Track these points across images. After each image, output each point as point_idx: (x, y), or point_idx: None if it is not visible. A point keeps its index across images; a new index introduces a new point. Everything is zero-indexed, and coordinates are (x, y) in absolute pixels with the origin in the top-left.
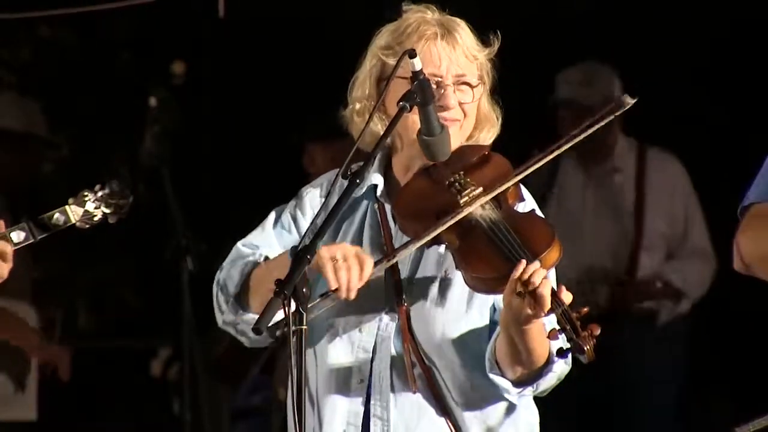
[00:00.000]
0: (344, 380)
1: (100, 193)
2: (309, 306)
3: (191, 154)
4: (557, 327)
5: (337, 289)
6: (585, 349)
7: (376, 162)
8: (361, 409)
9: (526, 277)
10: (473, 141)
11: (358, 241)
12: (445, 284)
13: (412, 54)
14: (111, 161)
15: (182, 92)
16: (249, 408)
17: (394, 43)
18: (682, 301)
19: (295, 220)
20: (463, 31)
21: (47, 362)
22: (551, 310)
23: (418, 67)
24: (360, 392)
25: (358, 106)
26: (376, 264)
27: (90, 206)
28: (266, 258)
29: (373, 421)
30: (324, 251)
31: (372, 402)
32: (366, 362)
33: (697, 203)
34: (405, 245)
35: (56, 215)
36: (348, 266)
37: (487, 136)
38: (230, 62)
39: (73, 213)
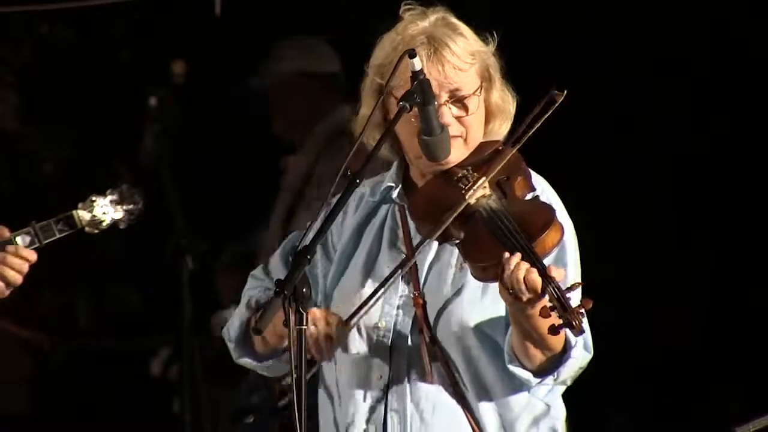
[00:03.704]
0: (365, 376)
1: (109, 198)
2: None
3: (191, 154)
4: (548, 305)
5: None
6: (573, 324)
7: (394, 168)
8: (382, 403)
9: (510, 270)
10: (489, 134)
11: (377, 242)
12: (460, 276)
13: (412, 54)
14: (111, 161)
15: (182, 92)
16: (249, 408)
17: (387, 61)
18: None
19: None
20: (453, 43)
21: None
22: (544, 290)
23: (418, 67)
24: (380, 387)
25: (362, 121)
26: (347, 321)
27: (98, 211)
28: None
29: (389, 414)
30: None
31: (389, 395)
32: (385, 358)
33: None
34: (399, 265)
35: (63, 220)
36: (314, 338)
37: (501, 126)
38: (227, 60)
39: (81, 218)
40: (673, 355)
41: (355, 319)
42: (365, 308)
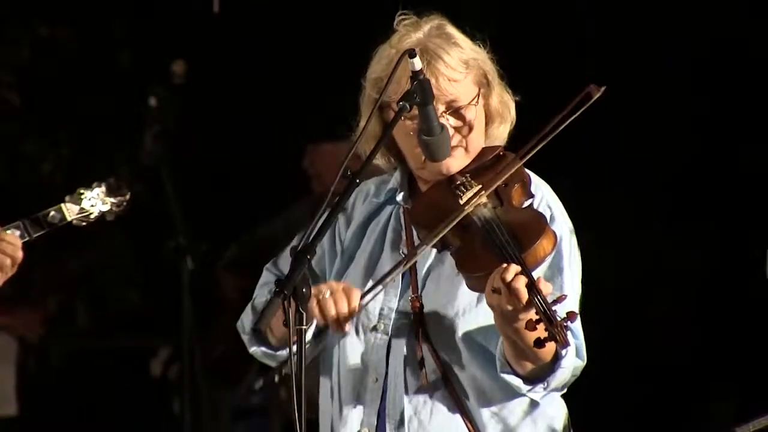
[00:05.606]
0: (360, 379)
1: (96, 191)
2: (306, 348)
3: (191, 154)
4: (534, 318)
5: (327, 326)
6: (558, 338)
7: (398, 172)
8: (377, 406)
9: (500, 274)
10: (489, 137)
11: (379, 243)
12: (457, 282)
13: (412, 54)
14: (111, 161)
15: (182, 92)
16: (249, 408)
17: (383, 75)
18: None
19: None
20: (446, 55)
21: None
22: (530, 302)
23: (418, 67)
24: (375, 391)
25: (360, 132)
26: (363, 295)
27: (86, 204)
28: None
29: (388, 420)
30: (312, 290)
31: (387, 400)
32: (381, 361)
33: None
34: (400, 262)
35: (52, 213)
36: (334, 300)
37: (500, 129)
38: (227, 59)
39: (69, 211)
40: (673, 355)
41: (370, 294)
42: (378, 288)
